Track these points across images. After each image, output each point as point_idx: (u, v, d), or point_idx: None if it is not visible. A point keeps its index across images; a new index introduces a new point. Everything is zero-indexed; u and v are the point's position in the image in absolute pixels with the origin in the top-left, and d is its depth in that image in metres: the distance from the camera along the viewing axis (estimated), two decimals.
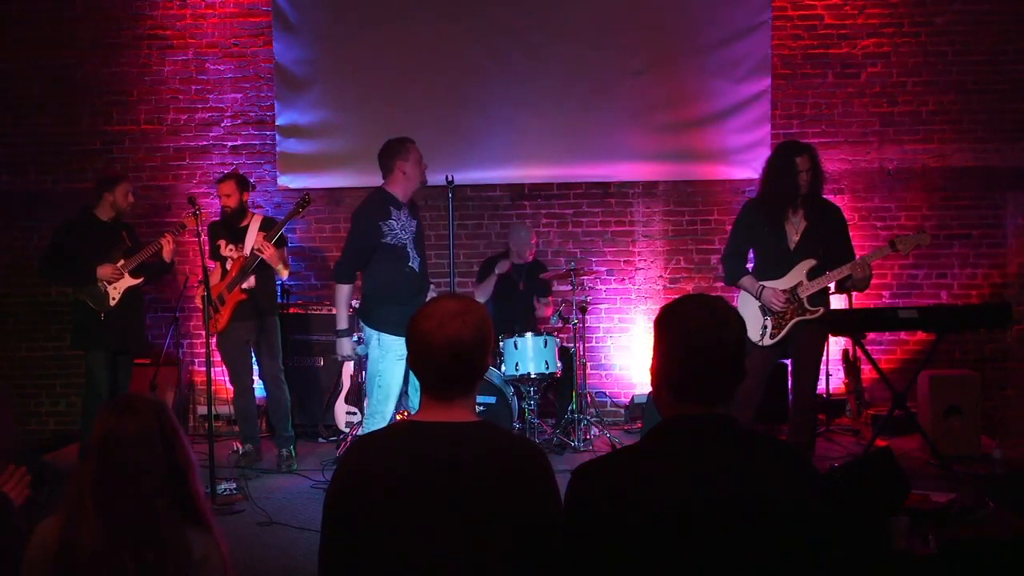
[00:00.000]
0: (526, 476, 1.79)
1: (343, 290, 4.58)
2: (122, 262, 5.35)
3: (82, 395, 5.80)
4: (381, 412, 4.43)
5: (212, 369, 4.99)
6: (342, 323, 4.61)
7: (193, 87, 6.69)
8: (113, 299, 5.33)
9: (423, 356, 1.82)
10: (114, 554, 1.86)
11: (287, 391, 5.64)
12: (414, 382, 4.53)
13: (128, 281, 5.38)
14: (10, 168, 6.73)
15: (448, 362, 1.80)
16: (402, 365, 4.41)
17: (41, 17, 6.66)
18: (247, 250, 5.42)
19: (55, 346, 6.69)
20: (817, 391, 4.78)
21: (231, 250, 5.49)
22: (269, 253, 5.27)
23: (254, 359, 5.67)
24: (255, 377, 5.71)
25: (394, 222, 4.48)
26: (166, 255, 5.38)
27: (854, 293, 5.57)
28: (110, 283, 5.32)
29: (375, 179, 6.65)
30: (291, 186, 6.64)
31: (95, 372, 5.36)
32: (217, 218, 5.72)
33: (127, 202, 5.46)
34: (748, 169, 6.29)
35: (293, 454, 5.54)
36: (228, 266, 5.49)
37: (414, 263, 4.52)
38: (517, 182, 6.61)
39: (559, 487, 1.81)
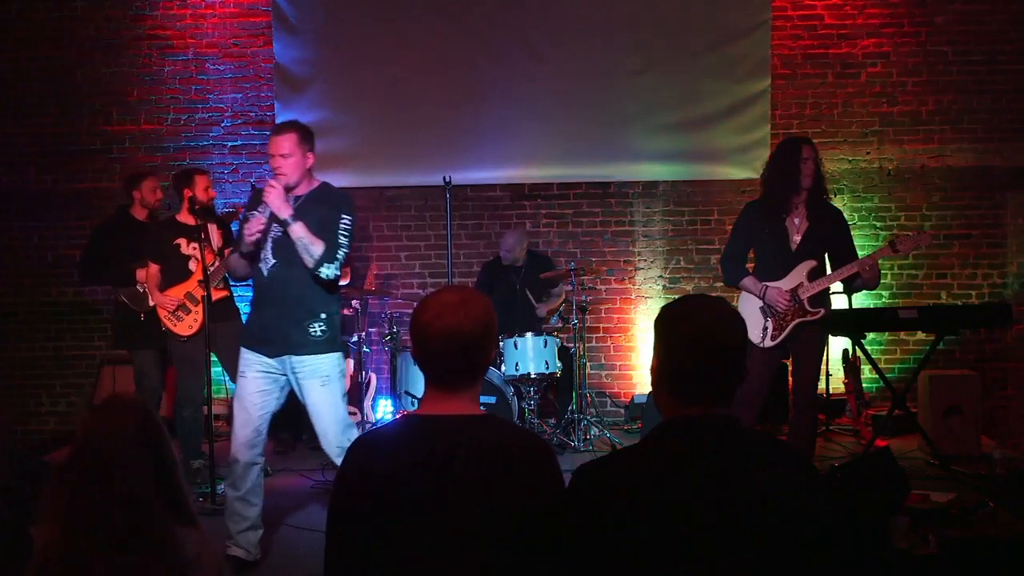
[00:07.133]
0: (529, 469, 1.77)
1: None
2: None
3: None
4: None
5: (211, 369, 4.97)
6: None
7: (193, 87, 6.69)
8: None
9: (422, 348, 1.82)
10: (90, 561, 1.79)
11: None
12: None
13: None
14: (10, 168, 6.72)
15: (446, 354, 1.79)
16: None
17: (41, 17, 6.65)
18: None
19: (55, 346, 6.70)
20: (817, 391, 4.77)
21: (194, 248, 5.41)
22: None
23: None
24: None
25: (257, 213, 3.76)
26: None
27: (854, 294, 5.57)
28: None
29: (375, 179, 6.73)
30: None
31: (144, 371, 5.27)
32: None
33: (155, 198, 5.36)
34: (748, 169, 6.29)
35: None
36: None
37: (265, 264, 3.75)
38: (517, 182, 6.60)
39: (564, 480, 1.80)
